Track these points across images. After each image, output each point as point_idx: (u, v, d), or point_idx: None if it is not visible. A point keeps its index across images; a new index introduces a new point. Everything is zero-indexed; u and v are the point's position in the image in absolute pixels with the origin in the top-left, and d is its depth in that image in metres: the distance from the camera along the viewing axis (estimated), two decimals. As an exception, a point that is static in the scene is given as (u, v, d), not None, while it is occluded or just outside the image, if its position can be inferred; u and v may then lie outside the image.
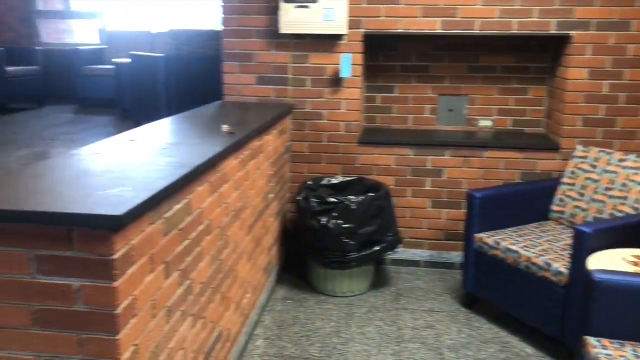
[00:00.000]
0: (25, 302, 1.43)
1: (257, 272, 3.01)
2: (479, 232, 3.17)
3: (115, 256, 1.38)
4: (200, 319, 2.07)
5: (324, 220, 3.22)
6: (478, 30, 3.53)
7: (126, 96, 5.60)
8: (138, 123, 5.28)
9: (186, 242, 1.88)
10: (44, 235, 1.38)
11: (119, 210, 1.37)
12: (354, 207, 3.21)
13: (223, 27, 3.70)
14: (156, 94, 4.65)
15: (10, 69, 6.04)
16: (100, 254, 1.37)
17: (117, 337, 1.42)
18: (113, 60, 6.07)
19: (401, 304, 3.34)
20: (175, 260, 1.79)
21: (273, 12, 3.60)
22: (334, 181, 3.62)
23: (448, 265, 3.85)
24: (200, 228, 2.02)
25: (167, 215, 1.70)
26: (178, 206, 1.79)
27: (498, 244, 3.01)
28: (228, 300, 2.46)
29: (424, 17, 3.54)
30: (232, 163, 2.40)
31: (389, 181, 3.74)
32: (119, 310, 1.41)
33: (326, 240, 3.23)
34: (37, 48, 6.75)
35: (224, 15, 3.68)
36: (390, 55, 4.02)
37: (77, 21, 7.88)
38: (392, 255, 3.76)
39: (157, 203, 1.59)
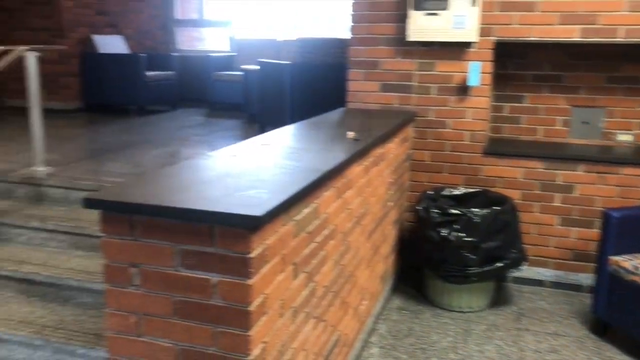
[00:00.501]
0: (168, 293, 1.52)
1: (374, 279, 3.00)
2: (615, 254, 2.94)
3: (252, 254, 1.44)
4: (322, 321, 2.11)
5: (444, 231, 3.15)
6: (622, 38, 3.28)
7: (253, 101, 5.84)
8: (263, 127, 5.49)
9: (312, 245, 1.92)
10: (188, 231, 1.47)
11: (258, 210, 1.42)
12: (477, 220, 3.10)
13: (350, 35, 3.75)
14: (281, 100, 4.81)
15: (149, 73, 6.52)
16: (238, 251, 1.44)
17: (249, 333, 1.48)
18: (242, 66, 6.36)
19: (523, 324, 3.18)
20: (302, 262, 1.83)
21: (401, 19, 3.59)
22: (456, 192, 3.53)
23: (575, 287, 3.60)
24: (325, 232, 2.05)
25: (297, 217, 1.75)
26: (307, 210, 1.83)
27: (637, 268, 2.77)
28: (347, 305, 2.47)
29: (560, 24, 3.36)
30: (356, 169, 2.42)
31: (514, 195, 3.58)
32: (252, 307, 1.47)
33: (446, 252, 3.16)
34: (173, 54, 7.23)
35: (352, 24, 3.72)
36: (519, 64, 3.85)
37: (210, 29, 8.36)
38: (514, 273, 3.59)
39: (289, 206, 1.64)
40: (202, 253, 1.47)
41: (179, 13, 8.18)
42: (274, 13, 8.21)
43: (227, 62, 7.34)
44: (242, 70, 6.35)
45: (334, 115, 3.42)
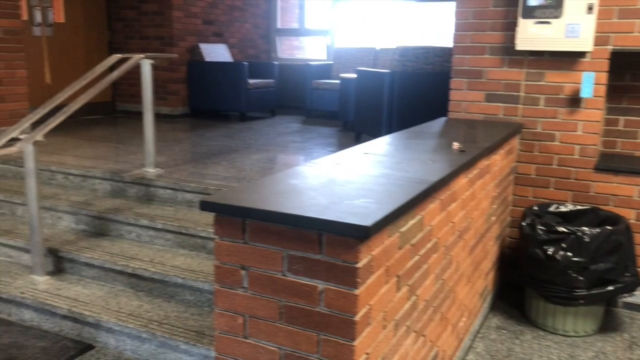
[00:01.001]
0: (275, 297, 1.55)
1: (473, 295, 2.90)
2: None
3: (359, 264, 1.43)
4: (422, 336, 2.06)
5: (550, 250, 2.99)
6: None
7: (349, 109, 5.87)
8: (358, 135, 5.51)
9: (416, 258, 1.89)
10: (296, 237, 1.49)
11: (367, 220, 1.41)
12: (586, 239, 2.92)
13: (454, 44, 3.67)
14: (378, 108, 4.79)
15: (251, 81, 6.73)
16: (346, 260, 1.43)
17: (353, 343, 1.47)
18: (340, 75, 6.41)
19: (636, 355, 2.95)
20: (405, 275, 1.80)
21: (508, 28, 3.46)
22: (563, 208, 3.35)
23: (697, 319, 3.30)
24: (429, 245, 2.01)
25: (403, 229, 1.72)
26: (412, 221, 1.80)
27: None
28: (446, 321, 2.41)
29: (689, 31, 3.10)
30: (461, 181, 2.35)
31: (628, 214, 3.34)
32: (357, 317, 1.46)
33: (551, 272, 2.99)
34: (274, 62, 7.42)
35: (456, 32, 3.65)
36: (637, 75, 3.60)
37: (309, 38, 8.51)
38: (627, 298, 3.34)
39: (396, 217, 1.62)
40: (309, 260, 1.48)
41: (280, 23, 8.39)
42: (372, 22, 8.22)
43: (325, 71, 7.43)
44: (339, 78, 6.40)
45: (436, 125, 3.36)
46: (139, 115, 6.77)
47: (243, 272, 1.58)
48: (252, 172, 4.02)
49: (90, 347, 2.79)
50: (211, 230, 3.18)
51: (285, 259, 1.51)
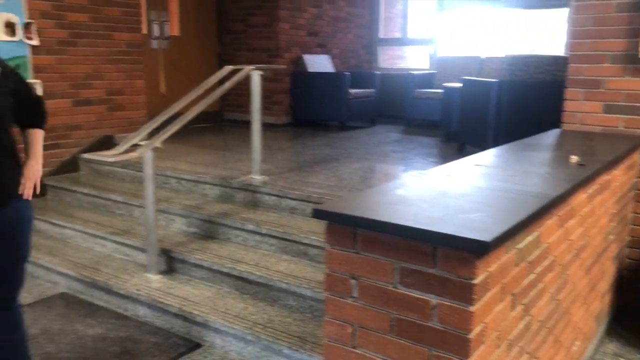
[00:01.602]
0: (385, 309, 1.53)
1: (588, 318, 2.72)
2: None
3: (476, 280, 1.39)
4: (534, 358, 1.96)
5: (678, 274, 2.74)
6: None
7: (452, 119, 5.74)
8: (462, 146, 5.37)
9: (531, 276, 1.80)
10: (409, 249, 1.46)
11: (486, 235, 1.37)
12: None
13: (570, 52, 3.49)
14: (484, 119, 4.65)
15: (352, 90, 6.77)
16: (462, 276, 1.39)
17: (467, 362, 1.42)
18: (443, 84, 6.30)
19: None
20: (520, 293, 1.72)
21: (632, 34, 3.24)
22: (693, 230, 3.06)
23: None
24: (545, 263, 1.91)
25: (520, 246, 1.65)
26: (529, 238, 1.72)
27: None
28: (559, 344, 2.27)
29: None
30: (580, 197, 2.22)
31: None
32: (472, 335, 1.41)
33: (679, 298, 2.74)
34: (375, 72, 7.43)
35: (572, 40, 3.46)
36: None
37: (411, 47, 8.45)
38: None
39: (514, 232, 1.55)
40: (422, 273, 1.46)
41: (383, 33, 8.40)
42: (478, 30, 8.02)
43: (427, 80, 7.33)
44: (442, 87, 6.29)
45: (549, 137, 3.20)
46: (245, 124, 7.03)
47: (353, 282, 1.58)
48: (353, 181, 4.03)
49: (198, 345, 2.91)
50: (314, 238, 3.22)
51: (397, 271, 1.50)
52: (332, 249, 1.61)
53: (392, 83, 7.77)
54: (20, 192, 2.13)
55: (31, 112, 2.26)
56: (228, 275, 3.21)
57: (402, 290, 1.49)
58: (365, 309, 1.57)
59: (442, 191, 1.83)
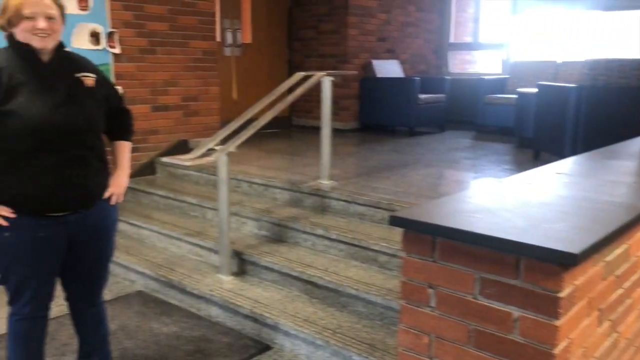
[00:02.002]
0: (464, 320, 1.50)
1: (678, 338, 2.56)
2: None
3: (562, 294, 1.33)
4: (620, 378, 1.86)
5: None
6: None
7: (526, 125, 5.56)
8: (537, 153, 5.19)
9: (619, 291, 1.71)
10: (491, 260, 1.43)
11: (574, 247, 1.31)
12: None
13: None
14: (562, 125, 4.48)
15: (421, 96, 6.70)
16: (547, 288, 1.34)
17: (551, 378, 1.37)
18: (517, 89, 6.12)
19: None
20: (607, 309, 1.64)
21: None
22: None
23: None
24: (634, 277, 1.81)
25: (608, 258, 1.57)
26: (618, 250, 1.63)
27: None
28: (647, 364, 2.15)
29: None
30: (671, 209, 2.09)
31: None
32: (557, 351, 1.36)
33: None
34: (445, 77, 7.31)
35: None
36: None
37: (483, 52, 8.26)
38: None
39: (602, 245, 1.48)
40: (504, 284, 1.41)
41: (453, 37, 8.27)
42: (553, 34, 7.74)
43: (499, 85, 7.15)
44: (516, 93, 6.11)
45: (636, 144, 3.04)
46: (313, 130, 7.11)
47: (431, 291, 1.55)
48: (423, 188, 3.98)
49: (268, 347, 2.95)
50: (384, 244, 3.20)
51: (477, 282, 1.46)
52: (409, 257, 1.59)
53: (462, 88, 7.62)
54: (106, 197, 2.24)
55: (120, 122, 2.37)
56: (297, 278, 3.24)
57: (482, 301, 1.46)
58: (442, 319, 1.54)
59: (524, 200, 1.77)
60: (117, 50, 4.67)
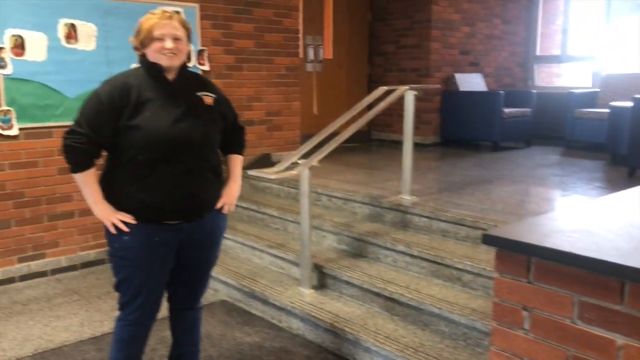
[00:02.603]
0: (561, 345, 1.43)
1: None
2: None
3: (673, 323, 1.24)
4: None
5: None
6: None
7: (620, 141, 5.27)
8: (632, 170, 4.90)
9: None
10: (591, 283, 1.36)
11: (687, 273, 1.22)
12: None
13: None
14: (661, 141, 4.20)
15: (506, 110, 6.51)
16: (656, 316, 1.26)
17: (660, 413, 1.27)
18: (610, 103, 5.81)
19: None
20: None
21: None
22: None
23: None
24: None
25: None
26: None
27: None
28: None
29: None
30: None
31: None
32: (667, 384, 1.27)
33: None
34: (531, 91, 7.07)
35: None
36: None
37: (571, 64, 7.93)
38: None
39: None
40: (606, 309, 1.34)
41: (539, 50, 7.99)
42: (650, 44, 7.31)
43: (590, 99, 6.82)
44: (608, 107, 5.80)
45: None
46: (392, 144, 7.08)
47: (525, 313, 1.49)
48: (509, 205, 3.85)
49: (348, 362, 2.94)
50: (467, 263, 3.12)
51: (576, 305, 1.39)
52: (501, 277, 1.54)
53: (550, 102, 7.34)
54: (218, 207, 2.38)
55: (234, 138, 2.52)
56: (378, 295, 3.22)
57: (582, 326, 1.38)
58: (537, 342, 1.48)
59: (626, 220, 1.67)
60: (206, 67, 4.87)
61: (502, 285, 1.53)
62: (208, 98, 2.31)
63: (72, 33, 4.14)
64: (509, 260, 1.51)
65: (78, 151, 2.14)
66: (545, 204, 4.00)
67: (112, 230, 2.20)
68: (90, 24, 4.21)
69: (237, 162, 2.55)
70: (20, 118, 3.99)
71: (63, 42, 4.12)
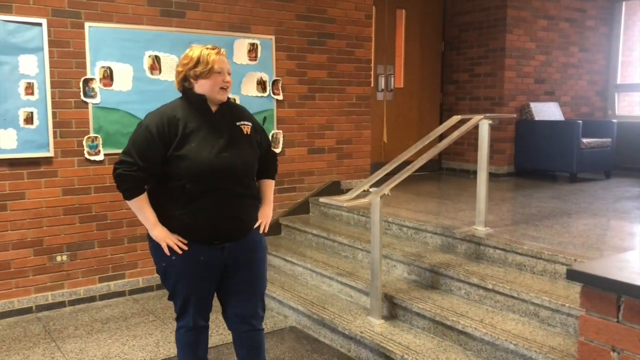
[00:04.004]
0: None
1: None
2: None
3: None
4: None
5: None
6: None
7: None
8: None
9: None
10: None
11: None
12: None
13: None
14: None
15: (584, 140, 6.28)
16: None
17: None
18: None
19: None
20: None
21: None
22: None
23: None
24: None
25: None
26: None
27: None
28: None
29: None
30: None
31: None
32: None
33: None
34: (612, 120, 6.79)
35: None
36: None
37: (656, 93, 7.56)
38: None
39: None
40: None
41: (620, 78, 7.69)
42: None
43: (677, 129, 6.47)
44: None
45: None
46: (463, 173, 6.96)
47: (614, 355, 1.42)
48: (590, 239, 3.68)
49: (419, 396, 2.87)
50: (545, 298, 3.00)
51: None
52: (588, 315, 1.47)
53: (632, 132, 7.01)
54: (255, 227, 2.54)
55: (267, 164, 2.65)
56: (450, 328, 3.14)
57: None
58: (628, 387, 1.40)
59: None
60: (280, 97, 5.00)
61: (589, 323, 1.46)
62: (247, 127, 2.47)
63: (155, 64, 4.38)
64: (596, 298, 1.45)
65: (129, 179, 2.30)
66: (629, 239, 3.80)
67: (167, 251, 2.36)
68: (172, 56, 4.43)
69: (270, 186, 2.67)
70: (106, 144, 4.23)
71: (147, 73, 4.36)
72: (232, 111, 2.48)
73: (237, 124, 2.45)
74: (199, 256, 2.38)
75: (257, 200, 2.55)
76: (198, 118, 2.35)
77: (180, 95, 2.47)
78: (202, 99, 2.37)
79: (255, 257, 2.54)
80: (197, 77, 2.35)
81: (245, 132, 2.45)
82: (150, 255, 2.47)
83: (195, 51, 2.38)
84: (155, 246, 2.41)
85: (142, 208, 2.35)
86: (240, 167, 2.37)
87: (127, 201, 2.36)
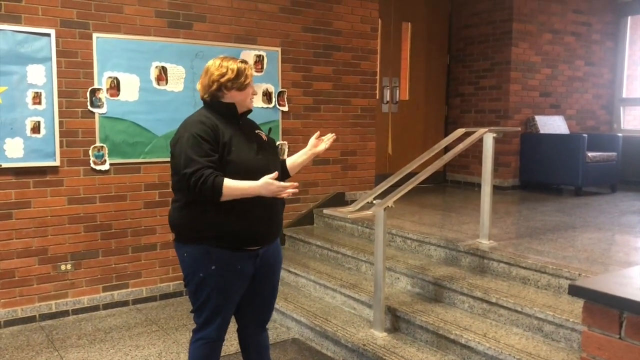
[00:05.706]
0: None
1: None
2: None
3: None
4: None
5: None
6: None
7: None
8: None
9: None
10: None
11: None
12: None
13: None
14: None
15: (590, 154, 6.27)
16: None
17: None
18: None
19: None
20: None
21: None
22: None
23: None
24: None
25: None
26: None
27: None
28: None
29: None
30: None
31: None
32: None
33: None
34: (617, 134, 6.79)
35: None
36: None
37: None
38: None
39: None
40: None
41: (626, 92, 7.69)
42: None
43: (683, 143, 6.45)
44: None
45: None
46: (468, 186, 6.96)
47: (616, 371, 1.41)
48: (595, 254, 3.67)
49: (421, 411, 2.85)
50: (549, 313, 2.99)
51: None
52: (590, 331, 1.47)
53: (637, 146, 7.00)
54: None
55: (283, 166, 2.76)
56: (454, 342, 3.13)
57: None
58: (631, 404, 1.39)
59: None
60: (285, 108, 5.02)
61: (591, 340, 1.46)
62: (264, 135, 2.59)
63: (162, 75, 4.41)
64: (598, 314, 1.44)
65: (206, 179, 2.23)
66: (634, 254, 3.78)
67: (289, 194, 2.27)
68: (179, 67, 4.47)
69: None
70: (111, 154, 4.26)
71: (154, 84, 4.39)
72: (249, 120, 2.61)
73: (256, 132, 2.57)
74: (236, 265, 2.40)
75: (284, 204, 2.61)
76: (229, 126, 2.42)
77: (202, 105, 2.52)
78: (233, 107, 2.45)
79: (280, 259, 2.64)
80: (232, 88, 2.43)
81: (264, 139, 2.56)
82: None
83: (230, 63, 2.44)
84: (193, 256, 2.38)
85: (234, 188, 2.26)
86: (273, 169, 2.42)
87: (223, 198, 2.26)
